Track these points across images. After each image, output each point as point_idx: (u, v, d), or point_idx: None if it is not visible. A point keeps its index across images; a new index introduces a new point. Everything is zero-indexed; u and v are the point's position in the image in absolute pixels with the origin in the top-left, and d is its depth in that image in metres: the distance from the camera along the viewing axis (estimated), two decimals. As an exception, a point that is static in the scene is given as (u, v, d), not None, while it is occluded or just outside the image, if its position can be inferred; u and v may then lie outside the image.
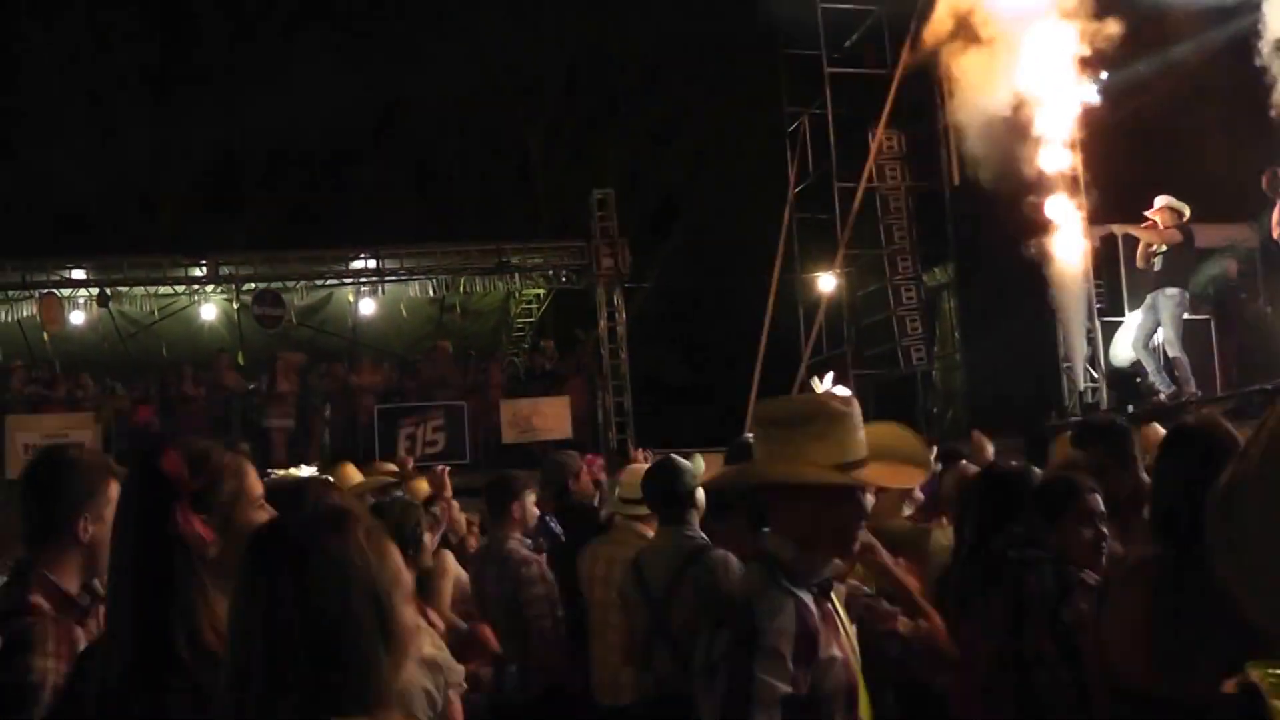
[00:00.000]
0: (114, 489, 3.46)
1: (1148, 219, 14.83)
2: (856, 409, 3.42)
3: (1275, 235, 14.08)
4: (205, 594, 2.63)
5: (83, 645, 3.29)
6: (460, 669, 4.19)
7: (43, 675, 3.18)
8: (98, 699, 2.63)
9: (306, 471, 8.97)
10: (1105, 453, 5.65)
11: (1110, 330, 16.47)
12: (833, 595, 3.38)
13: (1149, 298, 14.67)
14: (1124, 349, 15.75)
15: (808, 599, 3.21)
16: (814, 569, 3.27)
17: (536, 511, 7.61)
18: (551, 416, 20.32)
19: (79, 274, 21.14)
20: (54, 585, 3.44)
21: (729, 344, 26.20)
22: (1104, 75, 16.02)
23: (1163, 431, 5.94)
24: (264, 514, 2.73)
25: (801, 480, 3.28)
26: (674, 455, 6.45)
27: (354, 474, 8.63)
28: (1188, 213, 14.66)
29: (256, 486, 2.85)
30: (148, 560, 2.67)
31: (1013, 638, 4.71)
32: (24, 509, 3.58)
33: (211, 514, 2.70)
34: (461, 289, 22.54)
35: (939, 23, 17.23)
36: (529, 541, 7.42)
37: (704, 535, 5.95)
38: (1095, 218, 16.61)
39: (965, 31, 17.03)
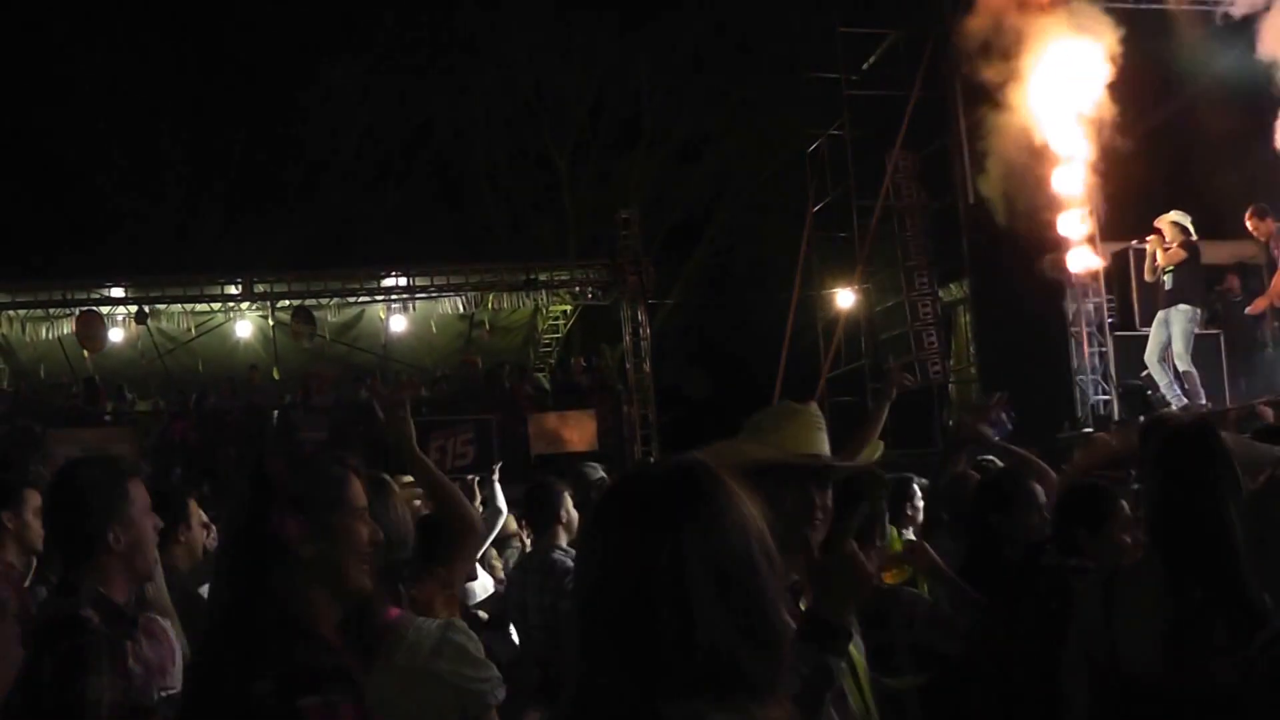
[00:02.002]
0: (136, 490, 3.62)
1: (1155, 230, 15.15)
2: (815, 410, 3.35)
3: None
4: (296, 586, 2.72)
5: (131, 658, 3.41)
6: (496, 673, 3.74)
7: (98, 694, 3.24)
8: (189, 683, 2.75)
9: None
10: None
11: (1121, 344, 16.67)
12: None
13: (1161, 314, 14.84)
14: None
15: None
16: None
17: (577, 515, 7.17)
18: (578, 429, 20.58)
19: (118, 292, 21.46)
20: (103, 598, 3.48)
21: (751, 358, 26.44)
22: None
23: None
24: (363, 526, 2.85)
25: (742, 459, 3.12)
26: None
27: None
28: (1192, 227, 14.96)
29: (358, 498, 2.88)
30: (243, 557, 2.76)
31: (1054, 646, 4.46)
32: (52, 529, 3.71)
33: (308, 517, 2.76)
34: (490, 306, 22.88)
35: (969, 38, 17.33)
36: (573, 552, 6.66)
37: None
38: (1107, 234, 16.83)
39: (988, 51, 17.26)
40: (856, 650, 3.39)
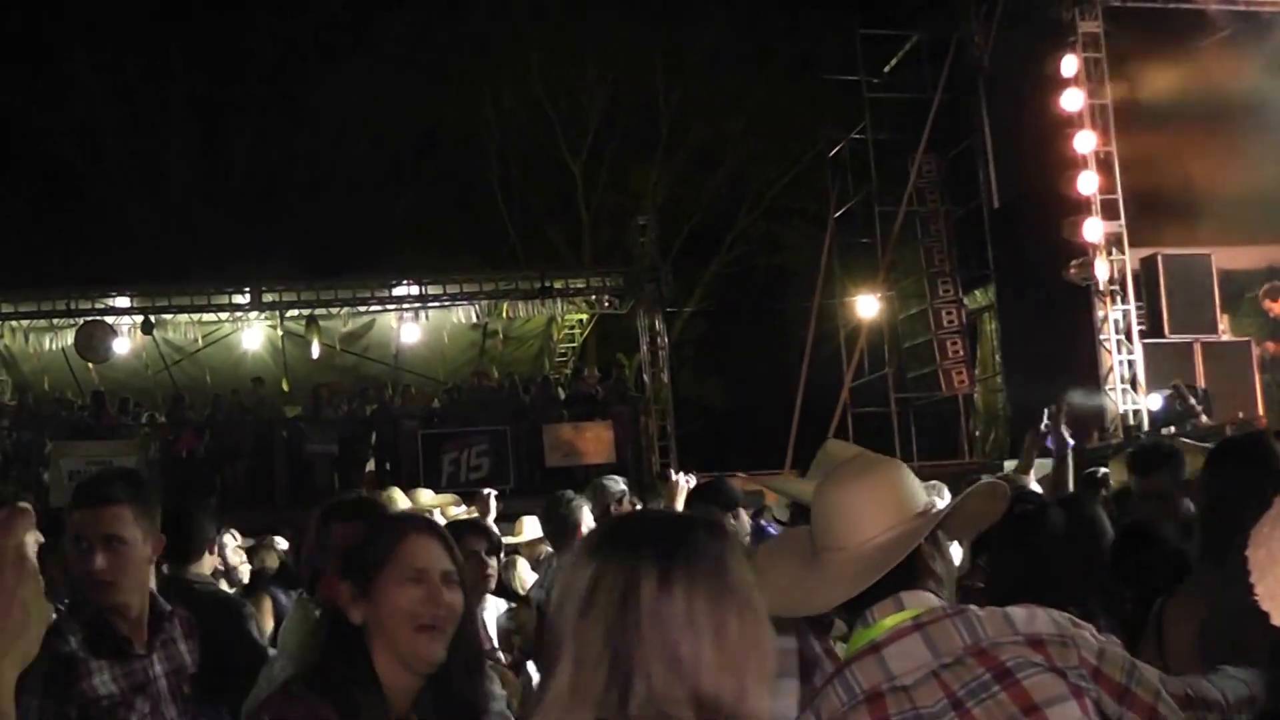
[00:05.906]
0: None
1: None
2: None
3: None
4: (354, 652, 2.63)
5: (95, 677, 3.34)
6: (502, 693, 3.79)
7: (25, 716, 3.09)
8: None
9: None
10: (1169, 479, 5.57)
11: (1150, 352, 16.39)
12: None
13: None
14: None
15: None
16: None
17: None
18: (594, 440, 20.26)
19: (123, 302, 21.12)
20: (98, 617, 3.44)
21: (771, 367, 26.21)
22: None
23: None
24: (417, 588, 2.67)
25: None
26: (724, 478, 6.47)
27: (401, 499, 8.63)
28: None
29: (416, 558, 2.68)
30: (323, 620, 2.80)
31: None
32: None
33: (353, 581, 2.66)
34: (504, 314, 22.55)
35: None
36: None
37: None
38: (1135, 239, 16.59)
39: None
40: None
